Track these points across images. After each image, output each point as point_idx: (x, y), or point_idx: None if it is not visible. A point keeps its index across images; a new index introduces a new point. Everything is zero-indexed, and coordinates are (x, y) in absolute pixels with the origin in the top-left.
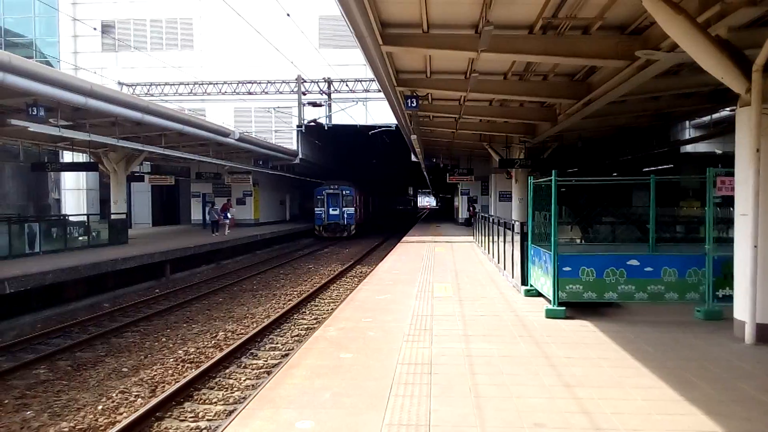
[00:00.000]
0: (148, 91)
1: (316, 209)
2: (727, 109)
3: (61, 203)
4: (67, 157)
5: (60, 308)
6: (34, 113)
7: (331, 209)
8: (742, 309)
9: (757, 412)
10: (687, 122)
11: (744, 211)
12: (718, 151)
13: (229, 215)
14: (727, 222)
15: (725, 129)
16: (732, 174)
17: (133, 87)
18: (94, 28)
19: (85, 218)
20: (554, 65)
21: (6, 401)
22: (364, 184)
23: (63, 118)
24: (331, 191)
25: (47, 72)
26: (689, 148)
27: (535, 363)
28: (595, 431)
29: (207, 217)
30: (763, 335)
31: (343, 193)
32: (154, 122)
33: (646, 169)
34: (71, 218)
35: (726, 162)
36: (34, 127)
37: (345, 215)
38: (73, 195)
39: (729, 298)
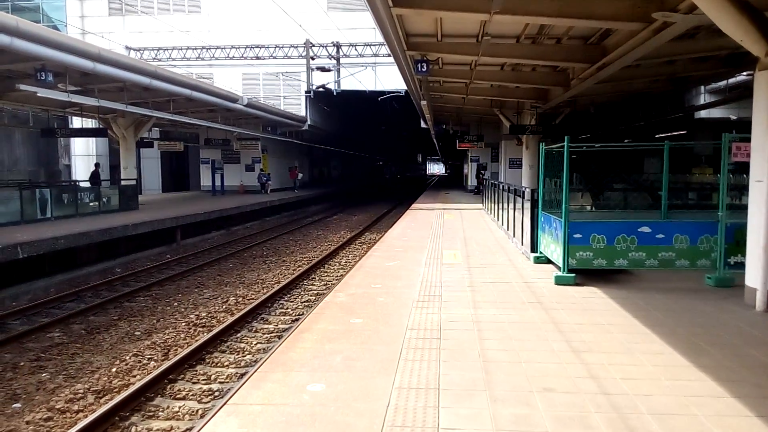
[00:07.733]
0: (156, 55)
1: (385, 170)
2: (744, 73)
3: (71, 169)
4: (77, 122)
5: (73, 273)
6: (43, 78)
7: (389, 170)
8: (754, 276)
9: (767, 379)
10: (702, 87)
11: (759, 177)
12: (733, 117)
13: (299, 177)
14: (741, 189)
15: (741, 94)
16: (748, 140)
17: (141, 51)
18: None
19: None
20: (568, 28)
21: (22, 363)
22: (378, 153)
23: (71, 84)
24: (390, 164)
25: (55, 36)
26: (703, 113)
27: (544, 329)
28: (604, 396)
29: (256, 179)
30: None
31: (392, 165)
32: (163, 87)
33: (659, 135)
34: (81, 184)
35: (741, 128)
36: (42, 93)
37: (395, 174)
38: (83, 161)
39: (741, 266)
